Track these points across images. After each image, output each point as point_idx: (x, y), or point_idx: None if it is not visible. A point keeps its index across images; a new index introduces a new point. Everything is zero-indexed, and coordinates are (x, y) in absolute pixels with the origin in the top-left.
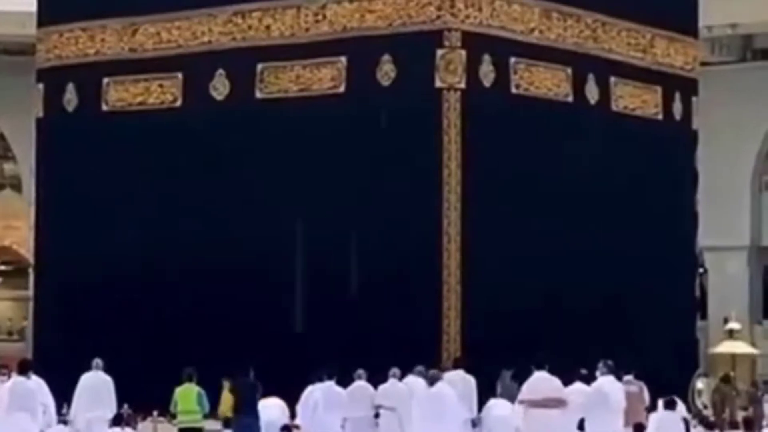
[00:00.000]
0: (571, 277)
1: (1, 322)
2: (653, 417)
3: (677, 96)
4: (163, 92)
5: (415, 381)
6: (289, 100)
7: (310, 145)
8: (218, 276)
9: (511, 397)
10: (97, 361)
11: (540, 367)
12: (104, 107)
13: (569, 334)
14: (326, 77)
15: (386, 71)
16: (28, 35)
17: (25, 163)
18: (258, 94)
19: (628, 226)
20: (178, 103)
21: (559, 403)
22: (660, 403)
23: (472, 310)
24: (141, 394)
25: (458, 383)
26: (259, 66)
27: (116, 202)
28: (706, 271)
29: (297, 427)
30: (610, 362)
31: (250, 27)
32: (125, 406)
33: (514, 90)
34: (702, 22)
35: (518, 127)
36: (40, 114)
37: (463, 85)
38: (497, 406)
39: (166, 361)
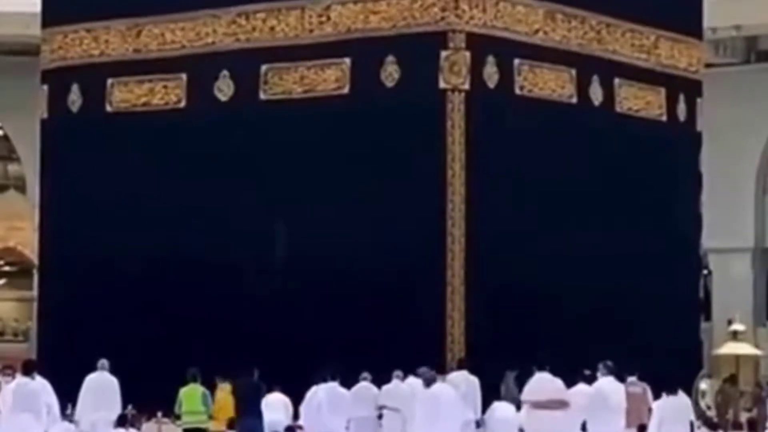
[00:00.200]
0: (576, 279)
1: (7, 322)
2: (657, 404)
3: (681, 97)
4: (167, 93)
5: (417, 382)
6: (294, 101)
7: (314, 146)
8: (223, 276)
9: (514, 399)
10: (103, 362)
11: (541, 368)
12: (108, 108)
13: (574, 335)
14: (330, 78)
15: (390, 72)
16: (33, 36)
17: (29, 164)
18: (262, 96)
19: (632, 227)
20: (182, 104)
21: (561, 404)
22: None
23: (476, 312)
24: (145, 394)
25: (462, 384)
26: (264, 67)
27: (120, 203)
28: (710, 272)
29: (300, 427)
30: (609, 363)
31: (254, 28)
32: (129, 406)
33: (518, 91)
34: (706, 23)
35: (522, 128)
36: (45, 115)
37: (467, 87)
38: (501, 408)
39: (170, 361)
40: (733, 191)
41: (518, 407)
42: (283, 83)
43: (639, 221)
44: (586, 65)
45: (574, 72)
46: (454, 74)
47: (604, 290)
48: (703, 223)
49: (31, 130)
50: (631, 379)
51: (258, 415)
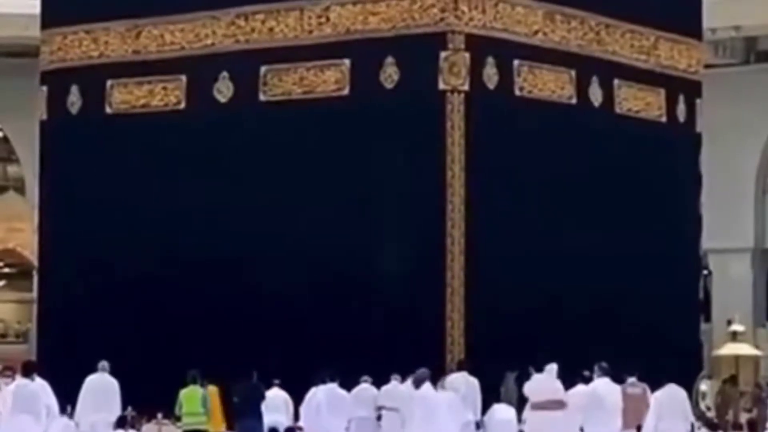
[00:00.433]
0: (576, 280)
1: (9, 324)
2: (655, 395)
3: (681, 98)
4: (166, 94)
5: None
6: (293, 103)
7: (313, 147)
8: (222, 278)
9: (514, 401)
10: (103, 364)
11: (540, 370)
12: (108, 110)
13: (573, 336)
14: (330, 80)
15: (390, 74)
16: (32, 37)
17: (28, 166)
18: (262, 97)
19: (632, 228)
20: (182, 105)
21: (560, 405)
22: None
23: (476, 313)
24: (145, 396)
25: (461, 386)
26: (263, 68)
27: (120, 204)
28: (709, 273)
29: (300, 428)
30: (604, 364)
31: (253, 29)
32: (129, 408)
33: (517, 92)
34: (706, 24)
35: (522, 129)
36: (44, 116)
37: (466, 88)
38: (500, 409)
39: (170, 363)
40: (733, 192)
41: (518, 408)
42: (283, 84)
43: (639, 222)
44: (585, 66)
45: (573, 73)
46: (453, 75)
47: (604, 291)
48: (702, 224)
49: (31, 131)
50: (631, 379)
51: (258, 416)
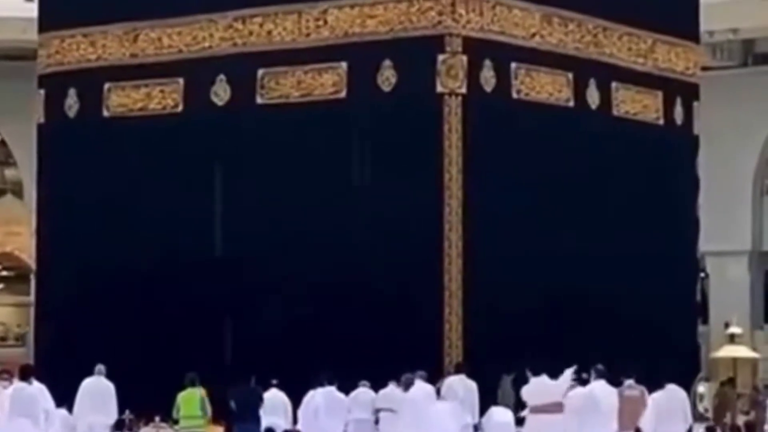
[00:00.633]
0: (573, 283)
1: (10, 327)
2: (655, 396)
3: (678, 101)
4: (164, 98)
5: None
6: (290, 106)
7: (311, 150)
8: (220, 280)
9: (511, 403)
10: (100, 367)
11: (536, 372)
12: (105, 113)
13: (571, 339)
14: (327, 83)
15: (387, 76)
16: (30, 41)
17: (26, 169)
18: (259, 100)
19: (629, 230)
20: (179, 108)
21: (558, 407)
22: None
23: (474, 316)
24: (143, 399)
25: (459, 389)
26: (260, 71)
27: (118, 207)
28: (707, 275)
29: (298, 431)
30: (600, 367)
31: (251, 32)
32: (127, 411)
33: (515, 95)
34: (703, 26)
35: (519, 132)
36: (42, 120)
37: (464, 90)
38: (498, 412)
39: (168, 365)
40: (731, 194)
41: (515, 411)
42: (280, 87)
43: (636, 225)
44: (582, 69)
45: (571, 76)
46: (451, 78)
47: (602, 294)
48: (700, 226)
49: (28, 134)
50: (629, 382)
51: (255, 420)
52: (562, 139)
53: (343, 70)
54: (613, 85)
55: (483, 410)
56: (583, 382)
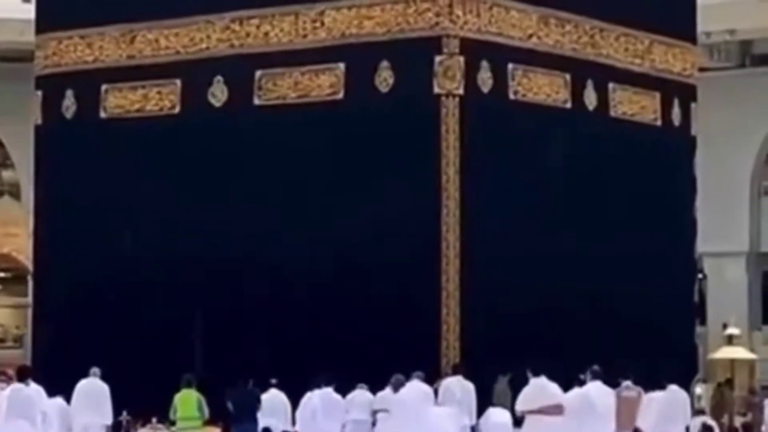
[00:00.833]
0: (571, 283)
1: (8, 329)
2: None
3: (676, 102)
4: (161, 99)
5: (412, 386)
6: (288, 107)
7: (308, 151)
8: (217, 281)
9: (506, 404)
10: (95, 370)
11: (536, 374)
12: (103, 114)
13: (569, 340)
14: (325, 84)
15: (385, 78)
16: (27, 42)
17: (23, 170)
18: (256, 101)
19: (627, 231)
20: (177, 109)
21: (557, 409)
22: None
23: (472, 316)
24: (140, 400)
25: (457, 390)
26: (258, 73)
27: (115, 209)
28: (705, 276)
29: None
30: (596, 368)
31: (248, 34)
32: (124, 412)
33: (512, 96)
34: (700, 27)
35: (516, 133)
36: (39, 121)
37: (461, 92)
38: (496, 413)
39: (165, 367)
40: (728, 195)
41: (512, 411)
42: (278, 89)
43: (634, 226)
44: (580, 70)
45: (568, 77)
46: (448, 79)
47: (599, 294)
48: (697, 227)
49: (26, 136)
50: (626, 383)
51: (253, 421)
52: (560, 140)
53: (340, 71)
54: (611, 86)
55: (480, 411)
56: (581, 383)
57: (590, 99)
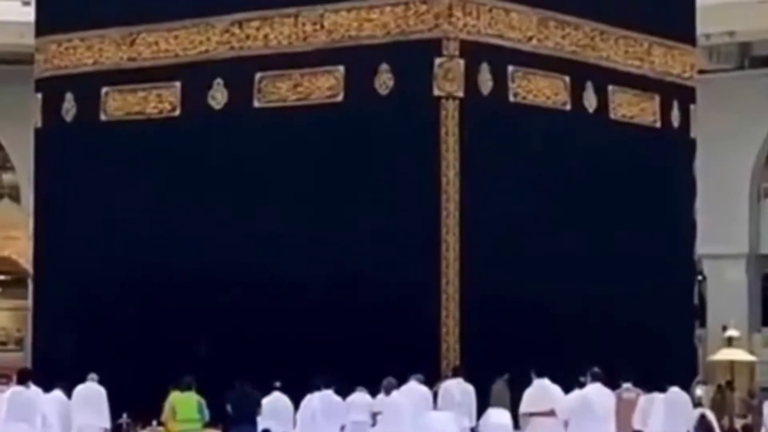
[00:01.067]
0: (571, 285)
1: (10, 332)
2: (653, 398)
3: (675, 104)
4: (161, 101)
5: (410, 388)
6: (288, 109)
7: (308, 153)
8: (217, 284)
9: (503, 404)
10: (92, 375)
11: (540, 376)
12: (103, 117)
13: (569, 341)
14: (324, 86)
15: (384, 80)
16: (27, 45)
17: (23, 173)
18: (256, 103)
19: (627, 234)
20: (177, 112)
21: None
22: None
23: (471, 319)
24: (140, 403)
25: (457, 392)
26: (258, 75)
27: (115, 211)
28: (704, 278)
29: None
30: (596, 370)
31: (248, 36)
32: (124, 415)
33: (512, 98)
34: (700, 29)
35: (516, 135)
36: (39, 124)
37: (461, 94)
38: (496, 414)
39: (165, 369)
40: (728, 197)
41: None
42: (277, 91)
43: (633, 228)
44: (579, 72)
45: (568, 79)
46: (448, 81)
47: (599, 297)
48: (697, 229)
49: (26, 138)
50: (626, 385)
51: (251, 422)
52: (560, 142)
53: (340, 73)
54: (610, 88)
55: (480, 414)
56: (581, 386)
57: (590, 101)
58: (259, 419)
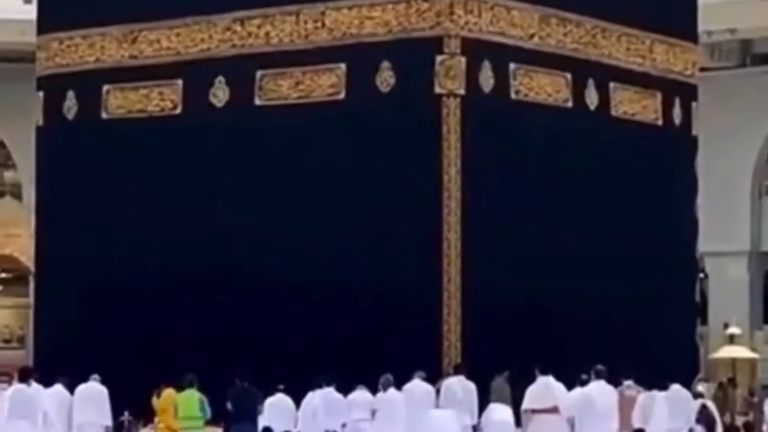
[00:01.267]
0: (573, 283)
1: (13, 330)
2: (653, 396)
3: (677, 101)
4: (162, 99)
5: (414, 386)
6: (289, 107)
7: (309, 151)
8: (218, 282)
9: (504, 401)
10: (95, 376)
11: (544, 373)
12: (104, 115)
13: (570, 339)
14: (326, 84)
15: (386, 78)
16: (28, 43)
17: (25, 171)
18: (257, 101)
19: (628, 231)
20: (178, 110)
21: (556, 410)
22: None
23: (473, 317)
24: (142, 400)
25: (458, 390)
26: (259, 73)
27: (116, 209)
28: (706, 276)
29: None
30: (600, 367)
31: (249, 34)
32: (126, 413)
33: (513, 96)
34: (701, 27)
35: (518, 132)
36: (40, 122)
37: (462, 92)
38: (497, 410)
39: (167, 367)
40: (729, 195)
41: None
42: (279, 89)
43: (635, 225)
44: (581, 69)
45: (569, 76)
46: (449, 79)
47: (601, 294)
48: (699, 227)
49: (27, 136)
50: (628, 382)
51: (252, 420)
52: (561, 139)
53: (341, 71)
54: (612, 85)
55: (482, 411)
56: (583, 383)
57: (591, 98)
58: (260, 418)
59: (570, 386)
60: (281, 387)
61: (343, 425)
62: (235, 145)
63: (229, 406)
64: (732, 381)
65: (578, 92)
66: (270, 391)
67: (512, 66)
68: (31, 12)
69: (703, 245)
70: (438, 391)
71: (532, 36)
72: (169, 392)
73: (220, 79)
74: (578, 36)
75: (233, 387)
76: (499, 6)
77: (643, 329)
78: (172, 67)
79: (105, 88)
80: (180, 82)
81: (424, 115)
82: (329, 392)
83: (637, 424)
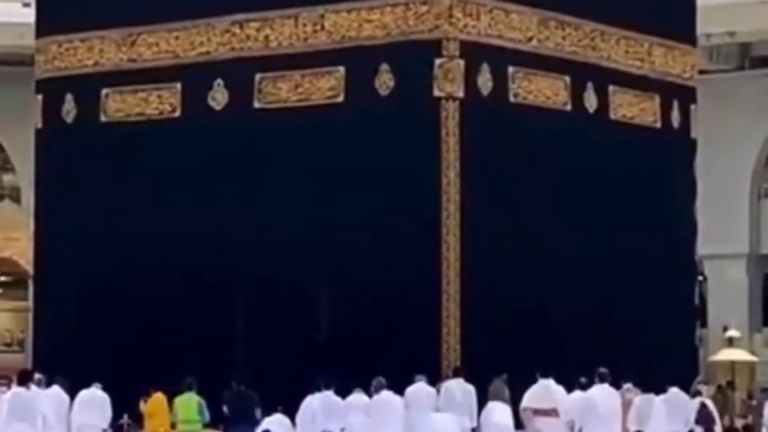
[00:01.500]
0: (572, 286)
1: (13, 333)
2: (649, 398)
3: (675, 104)
4: (161, 102)
5: (417, 389)
6: (288, 110)
7: (308, 154)
8: (217, 286)
9: (507, 402)
10: (97, 384)
11: (545, 376)
12: (103, 118)
13: (570, 342)
14: (325, 87)
15: (385, 81)
16: (27, 46)
17: (24, 174)
18: (256, 104)
19: (627, 234)
20: (177, 113)
21: (557, 412)
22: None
23: (472, 320)
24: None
25: (457, 392)
26: (258, 76)
27: (115, 213)
28: (705, 278)
29: None
30: (603, 370)
31: (248, 37)
32: (125, 416)
33: (512, 99)
34: (700, 30)
35: (517, 135)
36: (39, 125)
37: (461, 95)
38: (496, 411)
39: (166, 371)
40: (728, 197)
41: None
42: (278, 92)
43: (634, 228)
44: (580, 72)
45: (568, 79)
46: (448, 82)
47: (600, 297)
48: (698, 229)
49: (26, 140)
50: (627, 385)
51: (249, 421)
52: (560, 142)
53: (340, 74)
54: (611, 88)
55: (480, 411)
56: (582, 386)
57: (590, 101)
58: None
59: (569, 389)
60: (280, 408)
61: (342, 429)
62: (234, 148)
63: (225, 409)
64: (731, 384)
65: (577, 95)
66: (266, 391)
67: (511, 69)
68: (29, 15)
69: (702, 248)
70: (437, 394)
71: (530, 39)
72: (157, 396)
73: (219, 82)
74: (577, 39)
75: (230, 390)
76: (498, 9)
77: (642, 332)
78: (170, 70)
79: (104, 91)
80: (179, 85)
81: (423, 118)
82: (328, 395)
83: (632, 427)
